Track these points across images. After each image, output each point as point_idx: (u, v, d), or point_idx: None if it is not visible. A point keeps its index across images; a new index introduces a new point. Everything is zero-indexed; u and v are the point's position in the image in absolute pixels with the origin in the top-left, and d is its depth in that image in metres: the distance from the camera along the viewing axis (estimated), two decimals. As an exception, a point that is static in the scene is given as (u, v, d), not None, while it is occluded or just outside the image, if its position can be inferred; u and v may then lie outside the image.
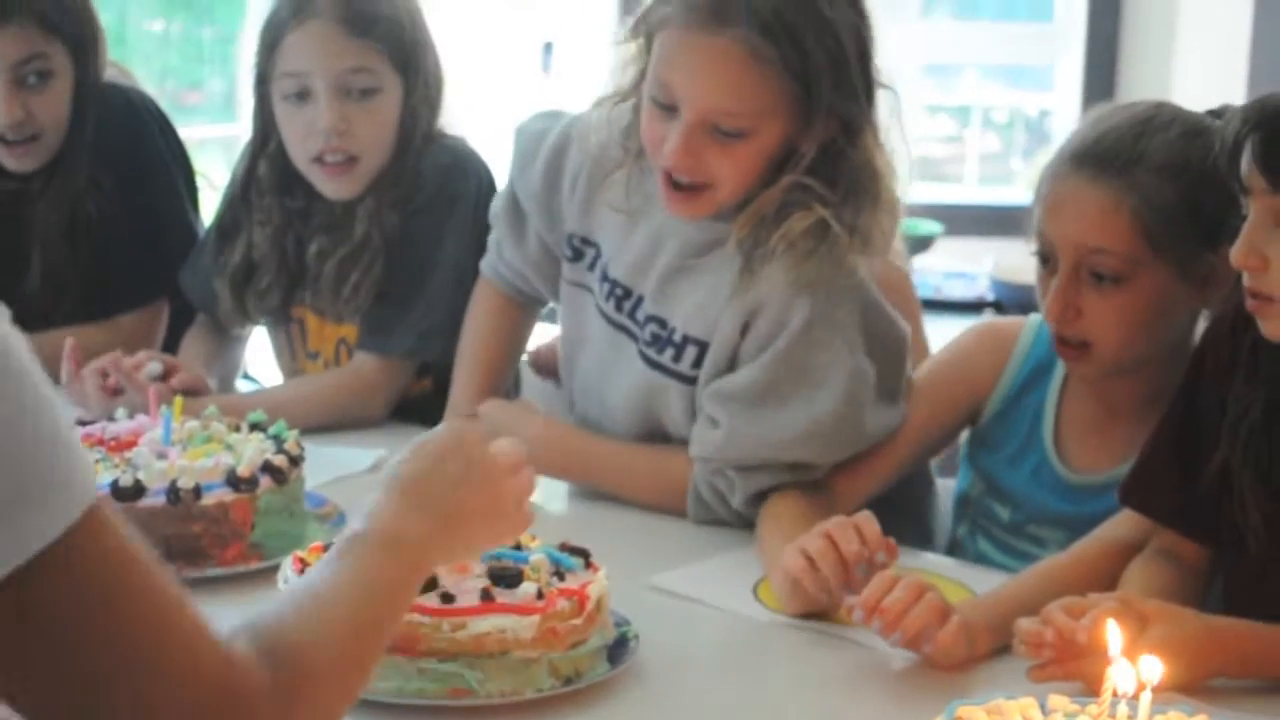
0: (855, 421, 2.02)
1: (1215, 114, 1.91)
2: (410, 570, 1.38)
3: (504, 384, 2.39)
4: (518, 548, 1.69)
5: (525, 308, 2.39)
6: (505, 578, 1.60)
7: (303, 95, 2.42)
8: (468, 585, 1.59)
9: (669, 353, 2.09)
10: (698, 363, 2.07)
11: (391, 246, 2.48)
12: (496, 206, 2.34)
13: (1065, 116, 4.75)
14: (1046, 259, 1.95)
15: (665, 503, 2.12)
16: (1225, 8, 4.40)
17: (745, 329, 2.02)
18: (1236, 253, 1.66)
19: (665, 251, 2.10)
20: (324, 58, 2.40)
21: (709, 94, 1.94)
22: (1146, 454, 1.85)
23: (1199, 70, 4.35)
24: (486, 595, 1.58)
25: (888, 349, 2.06)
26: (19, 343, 1.05)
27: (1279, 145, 1.61)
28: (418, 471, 1.43)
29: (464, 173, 2.51)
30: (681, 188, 2.00)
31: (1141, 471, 1.85)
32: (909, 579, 1.68)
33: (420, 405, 2.49)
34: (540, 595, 1.59)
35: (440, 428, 1.53)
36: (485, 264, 2.38)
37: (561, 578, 1.65)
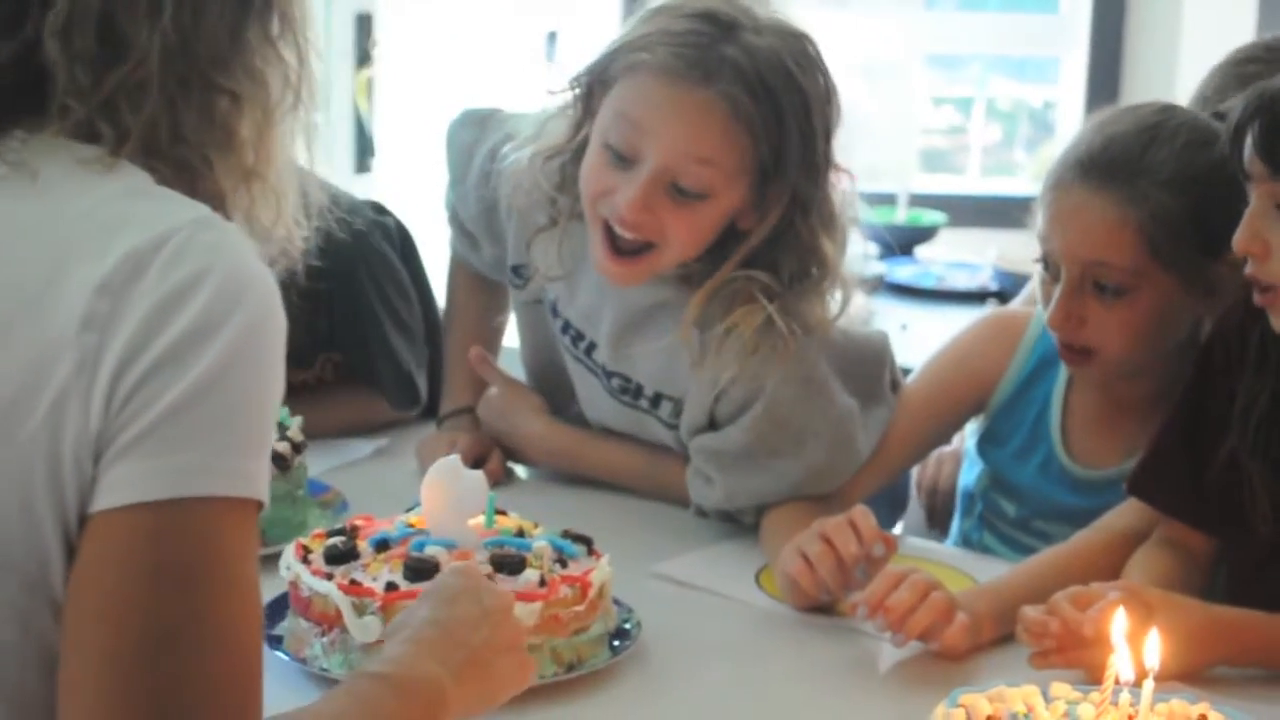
0: (849, 454, 2.00)
1: (1220, 116, 1.88)
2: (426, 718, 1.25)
3: (495, 357, 2.32)
4: (521, 534, 1.69)
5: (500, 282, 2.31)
6: (508, 564, 1.60)
7: None
8: (470, 571, 1.59)
9: (644, 402, 2.07)
10: (676, 413, 2.04)
11: None
12: (448, 209, 2.27)
13: (1069, 109, 4.74)
14: (1049, 264, 1.92)
15: (666, 501, 2.10)
16: (1230, 1, 4.40)
17: (719, 396, 1.98)
18: (1239, 239, 1.65)
19: (609, 311, 2.04)
20: None
21: (683, 143, 1.86)
22: (1155, 446, 1.84)
23: (1204, 64, 4.34)
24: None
25: (865, 366, 2.03)
26: (283, 333, 1.09)
27: (1278, 132, 1.61)
28: (432, 618, 1.32)
29: None
30: (622, 252, 1.92)
31: (1150, 463, 1.84)
32: (914, 577, 1.68)
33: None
34: (543, 582, 1.59)
35: (444, 574, 1.42)
36: (451, 246, 2.32)
37: (564, 565, 1.65)
